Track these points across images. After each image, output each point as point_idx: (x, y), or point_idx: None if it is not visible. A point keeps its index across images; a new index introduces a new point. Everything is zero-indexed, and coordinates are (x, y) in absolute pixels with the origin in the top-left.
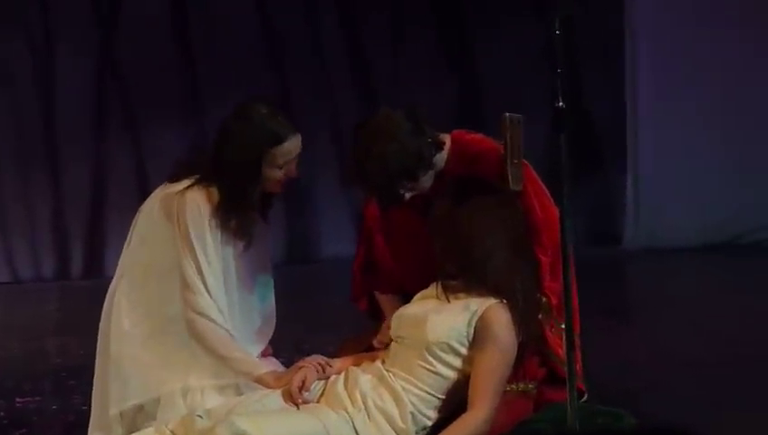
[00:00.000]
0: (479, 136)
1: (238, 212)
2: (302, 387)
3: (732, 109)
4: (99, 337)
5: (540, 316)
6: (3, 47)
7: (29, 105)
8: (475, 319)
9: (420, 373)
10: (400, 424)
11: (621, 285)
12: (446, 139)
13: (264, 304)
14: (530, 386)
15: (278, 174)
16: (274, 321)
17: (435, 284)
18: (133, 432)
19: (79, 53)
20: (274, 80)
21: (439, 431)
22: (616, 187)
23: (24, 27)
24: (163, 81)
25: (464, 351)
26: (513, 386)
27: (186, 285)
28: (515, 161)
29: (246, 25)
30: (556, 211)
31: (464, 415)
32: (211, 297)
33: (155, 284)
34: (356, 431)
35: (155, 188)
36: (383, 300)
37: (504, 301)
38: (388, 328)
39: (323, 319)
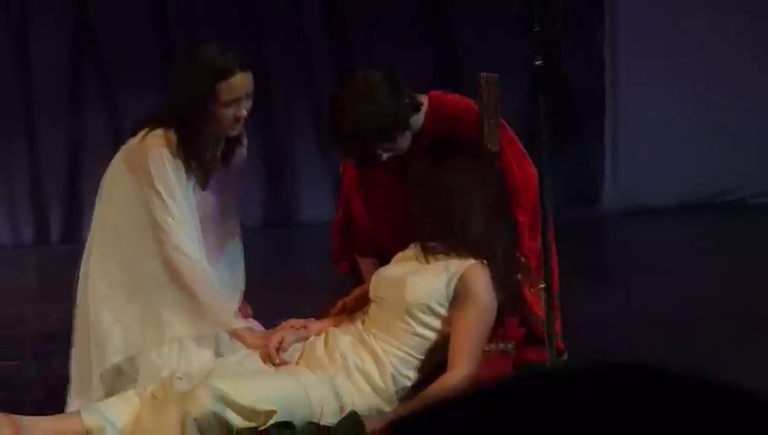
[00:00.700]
0: (457, 97)
1: (196, 153)
2: (280, 348)
3: (711, 71)
4: (77, 300)
5: (519, 277)
6: None
7: (5, 74)
8: (455, 280)
9: (400, 335)
10: (380, 384)
11: (600, 245)
12: (424, 100)
13: (231, 263)
14: (509, 346)
15: (227, 113)
16: (242, 278)
17: (414, 245)
18: (115, 393)
19: (55, 23)
20: (252, 50)
21: (419, 392)
22: (595, 148)
23: None
24: (139, 50)
25: (443, 312)
26: (493, 346)
27: (157, 226)
28: (492, 121)
29: None
30: (534, 172)
31: (444, 375)
32: (184, 232)
33: (126, 241)
34: (336, 392)
35: None
36: (362, 263)
37: (484, 261)
38: (364, 291)
39: (302, 282)
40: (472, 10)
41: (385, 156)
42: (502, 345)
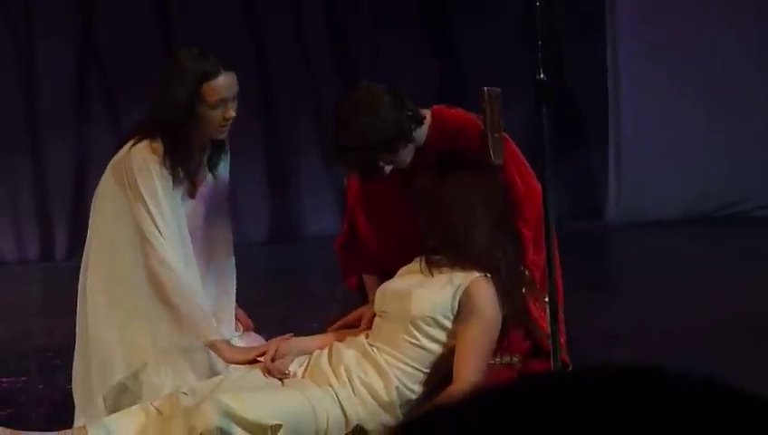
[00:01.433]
0: (460, 111)
1: (183, 160)
2: (276, 357)
3: (715, 82)
4: (77, 318)
5: (523, 290)
6: None
7: (10, 88)
8: (460, 293)
9: (405, 347)
10: (385, 398)
11: (604, 258)
12: (427, 114)
13: (219, 274)
14: (514, 359)
15: (214, 115)
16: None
17: (418, 259)
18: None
19: (59, 35)
20: (256, 63)
21: (424, 405)
22: (598, 161)
23: (4, 9)
24: (144, 65)
25: (448, 324)
26: (498, 359)
27: (144, 239)
28: (496, 135)
29: (228, 8)
30: (538, 185)
31: (448, 388)
32: (169, 244)
33: (121, 255)
34: (341, 406)
35: None
36: (366, 279)
37: (488, 275)
38: (367, 310)
39: (307, 297)
40: (475, 23)
41: (387, 169)
42: (507, 358)
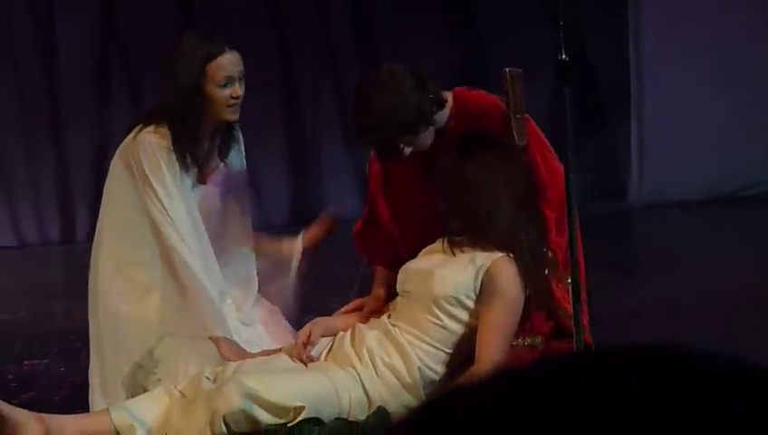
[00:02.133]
0: (481, 92)
1: (192, 145)
2: (308, 343)
3: (738, 63)
4: (89, 300)
5: (546, 271)
6: (3, 12)
7: (31, 70)
8: (482, 273)
9: (427, 327)
10: (408, 379)
11: (627, 239)
12: (448, 96)
13: (235, 261)
14: (537, 340)
15: (223, 93)
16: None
17: (441, 239)
18: (136, 390)
19: (80, 16)
20: (276, 42)
21: (446, 385)
22: (620, 142)
23: None
24: (166, 45)
25: (471, 304)
26: (520, 340)
27: (154, 225)
28: (518, 116)
29: None
30: (560, 166)
31: (470, 369)
32: (179, 232)
33: (130, 237)
34: (364, 388)
35: None
36: (377, 270)
37: (510, 255)
38: (375, 299)
39: (329, 279)
40: (496, 3)
41: (407, 150)
42: (529, 340)
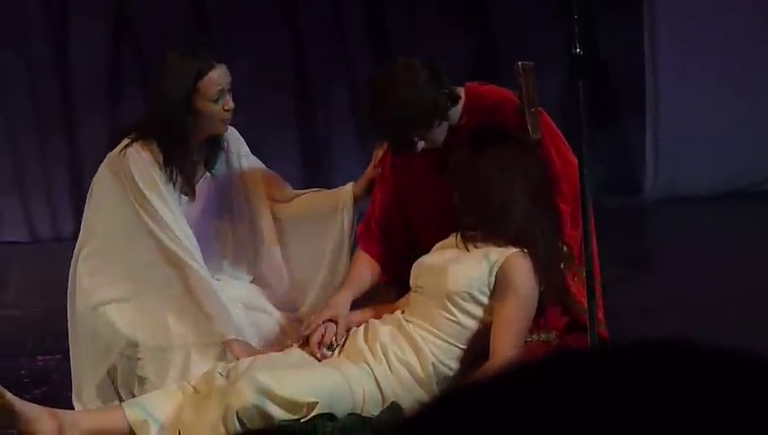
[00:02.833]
0: (494, 87)
1: (181, 162)
2: (321, 342)
3: (753, 57)
4: (68, 305)
5: (561, 265)
6: (17, 11)
7: (43, 65)
8: (496, 268)
9: (441, 323)
10: (421, 375)
11: (642, 233)
12: (461, 92)
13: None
14: (551, 336)
15: (215, 108)
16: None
17: (454, 234)
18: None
19: (93, 11)
20: (289, 37)
21: (460, 381)
22: (635, 136)
23: None
24: (179, 41)
25: (485, 300)
26: (535, 336)
27: (157, 240)
28: (532, 110)
29: None
30: (574, 160)
31: (485, 365)
32: (183, 243)
33: (119, 245)
34: (377, 383)
35: None
36: (360, 256)
37: (524, 250)
38: (333, 306)
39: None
40: None
41: (420, 145)
42: (544, 335)
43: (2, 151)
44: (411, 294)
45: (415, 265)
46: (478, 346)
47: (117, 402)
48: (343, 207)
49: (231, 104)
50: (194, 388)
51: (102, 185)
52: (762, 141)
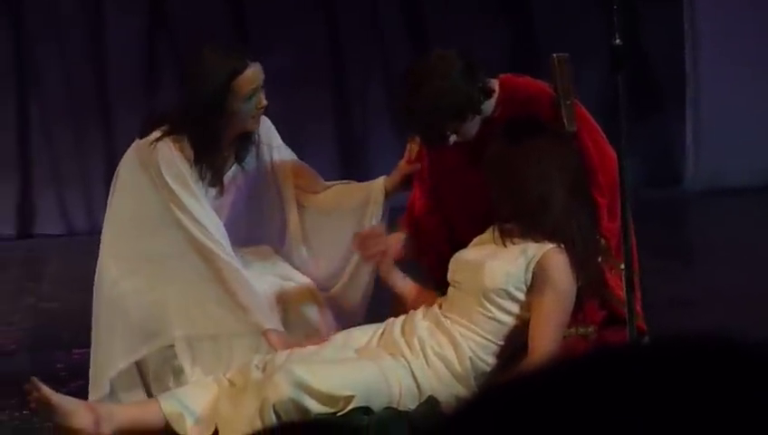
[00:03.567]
0: (529, 79)
1: (212, 159)
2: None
3: None
4: (94, 292)
5: (599, 259)
6: (54, 3)
7: (80, 60)
8: (533, 264)
9: (478, 319)
10: (459, 370)
11: (681, 225)
12: (495, 85)
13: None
14: (589, 330)
15: (248, 106)
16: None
17: (491, 228)
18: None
19: (129, 7)
20: (325, 31)
21: (498, 377)
22: (675, 127)
23: None
24: (214, 34)
25: (522, 296)
26: (573, 330)
27: (186, 232)
28: (568, 102)
29: None
30: (612, 151)
31: (524, 360)
32: (214, 236)
33: (141, 232)
34: (414, 377)
35: None
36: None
37: (561, 245)
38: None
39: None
40: None
41: (452, 138)
42: (582, 329)
43: (39, 145)
44: (449, 289)
45: (453, 259)
46: (516, 342)
47: (144, 395)
48: (374, 201)
49: (264, 102)
50: (230, 381)
51: (130, 172)
52: None
